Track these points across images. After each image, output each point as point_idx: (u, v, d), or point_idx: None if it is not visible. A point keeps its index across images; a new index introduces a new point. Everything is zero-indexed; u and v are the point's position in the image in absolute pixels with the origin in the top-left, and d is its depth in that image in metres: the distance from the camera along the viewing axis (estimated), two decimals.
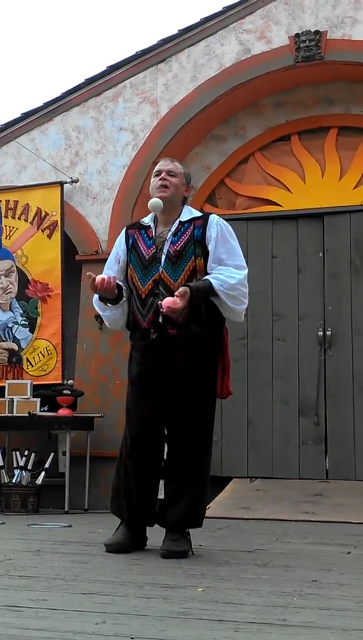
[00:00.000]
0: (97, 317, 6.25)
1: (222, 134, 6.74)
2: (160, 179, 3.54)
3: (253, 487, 5.96)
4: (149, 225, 3.58)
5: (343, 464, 6.03)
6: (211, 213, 3.69)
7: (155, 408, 3.47)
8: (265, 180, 6.61)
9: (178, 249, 3.44)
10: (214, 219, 3.54)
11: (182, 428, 3.43)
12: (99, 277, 3.44)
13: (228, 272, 3.43)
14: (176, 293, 3.28)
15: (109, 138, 6.72)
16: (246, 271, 3.48)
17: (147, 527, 3.61)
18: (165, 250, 3.46)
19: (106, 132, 6.74)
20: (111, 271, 3.63)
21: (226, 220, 6.46)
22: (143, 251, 3.51)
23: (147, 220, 3.62)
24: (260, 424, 6.27)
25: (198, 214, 3.60)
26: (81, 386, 6.35)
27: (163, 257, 3.45)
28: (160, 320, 3.42)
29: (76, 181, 6.70)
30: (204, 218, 3.54)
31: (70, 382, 6.29)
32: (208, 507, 5.19)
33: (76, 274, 6.61)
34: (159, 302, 3.34)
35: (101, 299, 3.55)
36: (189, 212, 3.57)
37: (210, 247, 3.46)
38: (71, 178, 6.69)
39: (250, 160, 6.68)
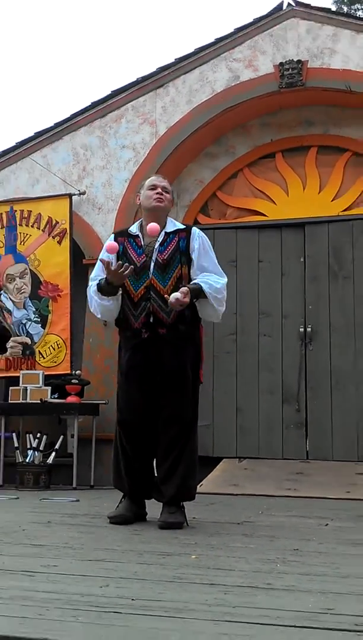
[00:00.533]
0: None
1: (214, 152, 6.73)
2: (157, 193, 3.55)
3: (241, 466, 5.96)
4: (138, 235, 3.59)
5: (321, 446, 6.03)
6: (192, 226, 3.72)
7: (146, 397, 3.50)
8: (252, 193, 6.61)
9: (165, 257, 3.48)
10: (196, 232, 3.58)
11: (171, 413, 3.46)
12: (116, 263, 3.38)
13: (214, 278, 3.48)
14: (181, 290, 3.29)
15: (113, 155, 6.71)
16: (226, 279, 3.53)
17: (147, 503, 3.64)
18: (153, 259, 3.50)
19: (110, 149, 6.73)
20: (103, 273, 3.58)
21: (219, 228, 6.43)
22: (134, 259, 3.52)
23: (134, 229, 3.62)
24: (248, 411, 6.27)
25: (181, 225, 3.62)
26: (88, 376, 6.34)
27: (152, 265, 3.49)
28: (151, 320, 3.45)
29: (83, 193, 6.68)
30: (187, 230, 3.58)
31: (78, 372, 6.29)
32: (200, 484, 5.20)
33: (83, 276, 6.56)
34: (169, 300, 3.31)
35: (100, 290, 3.51)
36: (172, 224, 3.60)
37: (194, 257, 3.50)
38: (79, 190, 6.68)
39: (239, 175, 6.67)
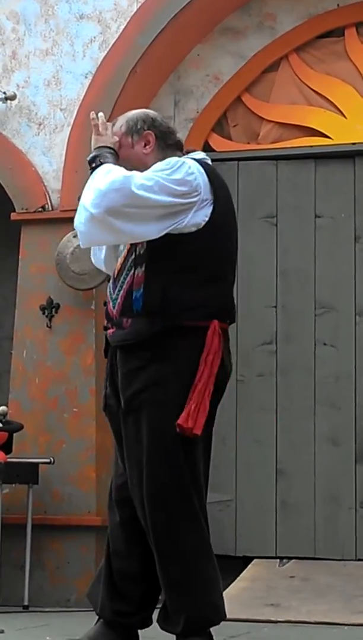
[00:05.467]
0: (45, 308, 6.25)
1: (239, 25, 6.69)
2: None
3: (284, 572, 5.95)
4: None
5: None
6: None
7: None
8: (304, 98, 6.57)
9: None
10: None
11: (134, 489, 3.68)
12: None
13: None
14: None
15: (64, 31, 6.66)
16: (132, 183, 3.57)
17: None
18: None
19: (59, 21, 6.67)
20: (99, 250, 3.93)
21: (247, 159, 6.30)
22: None
23: None
24: (295, 475, 6.26)
25: None
26: (19, 416, 6.31)
27: None
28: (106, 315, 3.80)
29: (13, 97, 6.63)
30: None
31: (1, 409, 6.25)
32: None
33: (12, 241, 6.54)
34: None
35: None
36: None
37: None
38: (5, 93, 6.63)
39: (281, 67, 6.64)
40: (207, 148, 6.55)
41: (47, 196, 6.51)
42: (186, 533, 3.63)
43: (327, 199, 6.47)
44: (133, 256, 3.68)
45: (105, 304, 3.80)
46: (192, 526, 3.64)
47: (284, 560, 6.10)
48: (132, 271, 3.67)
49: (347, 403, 6.26)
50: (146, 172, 3.62)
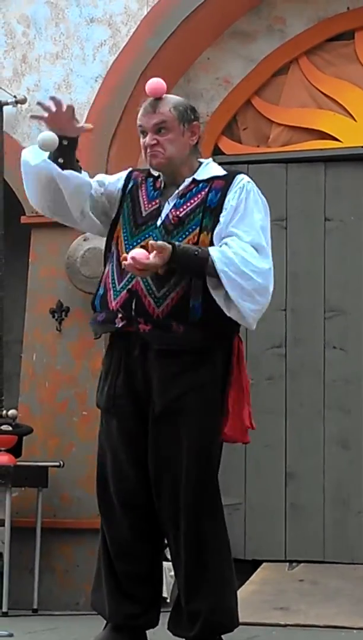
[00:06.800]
0: (55, 311, 6.26)
1: (249, 29, 6.68)
2: (147, 146, 3.76)
3: (293, 576, 5.95)
4: (159, 176, 3.84)
5: None
6: (239, 172, 3.89)
7: (138, 454, 3.73)
8: (314, 101, 6.57)
9: (180, 214, 3.70)
10: (241, 179, 3.79)
11: (166, 497, 3.65)
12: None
13: (242, 245, 3.62)
14: (150, 243, 3.51)
15: (74, 35, 6.67)
16: (269, 264, 3.67)
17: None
18: (163, 215, 3.74)
19: (69, 25, 6.69)
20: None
21: (256, 162, 6.31)
22: (142, 204, 3.81)
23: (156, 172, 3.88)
24: (305, 478, 6.27)
25: (220, 171, 3.83)
26: (28, 419, 6.31)
27: (160, 221, 3.73)
28: (133, 306, 3.64)
29: (23, 101, 6.64)
30: (228, 178, 3.79)
31: (11, 412, 6.25)
32: None
33: (21, 245, 6.54)
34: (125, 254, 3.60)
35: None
36: (209, 169, 3.83)
37: (223, 217, 3.70)
38: (15, 97, 6.64)
39: (291, 70, 6.64)
40: (217, 151, 6.57)
41: None
42: (223, 533, 3.71)
43: (336, 202, 6.48)
44: None
45: (128, 290, 3.67)
46: (224, 526, 3.72)
47: (293, 564, 6.10)
48: (188, 278, 3.64)
49: (356, 406, 6.27)
50: (264, 230, 3.69)
